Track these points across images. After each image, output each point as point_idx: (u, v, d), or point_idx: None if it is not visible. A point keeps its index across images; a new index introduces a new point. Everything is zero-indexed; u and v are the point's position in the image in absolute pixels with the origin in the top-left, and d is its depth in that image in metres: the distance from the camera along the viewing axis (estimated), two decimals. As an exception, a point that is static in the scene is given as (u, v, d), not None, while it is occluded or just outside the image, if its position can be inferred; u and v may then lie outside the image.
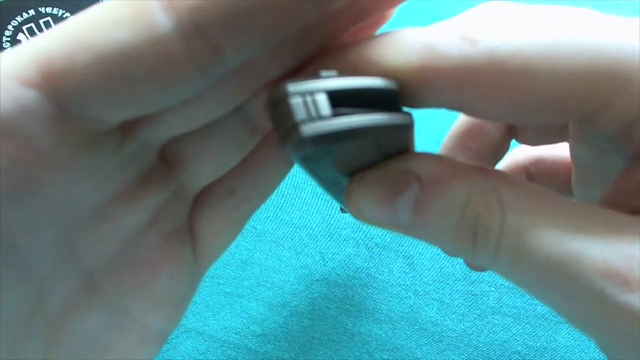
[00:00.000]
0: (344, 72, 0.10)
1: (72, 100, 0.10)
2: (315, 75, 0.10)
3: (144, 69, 0.10)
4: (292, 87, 0.09)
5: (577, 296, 0.10)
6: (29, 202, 0.11)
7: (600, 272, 0.10)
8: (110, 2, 0.10)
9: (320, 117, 0.09)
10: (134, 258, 0.14)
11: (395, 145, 0.12)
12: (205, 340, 0.26)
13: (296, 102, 0.09)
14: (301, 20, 0.10)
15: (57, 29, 0.10)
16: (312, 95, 0.09)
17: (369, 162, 0.12)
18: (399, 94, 0.11)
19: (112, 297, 0.13)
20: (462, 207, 0.11)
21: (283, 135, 0.10)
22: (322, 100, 0.09)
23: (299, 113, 0.09)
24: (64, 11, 0.32)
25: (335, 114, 0.10)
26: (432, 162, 0.12)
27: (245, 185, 0.15)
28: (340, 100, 0.10)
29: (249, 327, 0.27)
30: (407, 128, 0.11)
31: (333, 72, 0.10)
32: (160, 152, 0.14)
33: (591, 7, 0.41)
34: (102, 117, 0.11)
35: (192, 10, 0.09)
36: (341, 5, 0.10)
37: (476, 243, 0.11)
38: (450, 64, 0.10)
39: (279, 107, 0.10)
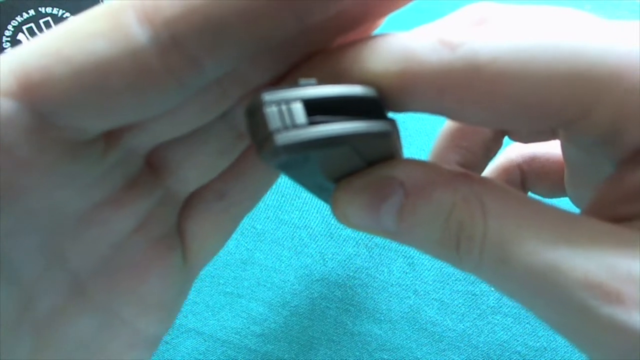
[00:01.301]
0: (323, 80, 0.10)
1: (50, 111, 0.10)
2: (293, 84, 0.10)
3: (121, 82, 0.10)
4: (268, 96, 0.09)
5: (559, 306, 0.10)
6: (9, 208, 0.11)
7: (581, 283, 0.10)
8: (88, 13, 0.10)
9: (295, 126, 0.09)
10: (123, 262, 0.14)
11: (378, 152, 0.12)
12: (205, 340, 0.26)
13: (271, 111, 0.09)
14: (281, 32, 0.10)
15: (36, 41, 0.10)
16: (288, 104, 0.09)
17: (353, 168, 0.12)
18: (381, 101, 0.11)
19: (102, 301, 0.13)
20: (445, 215, 0.11)
21: (258, 145, 0.10)
22: (298, 109, 0.09)
23: (274, 122, 0.09)
24: (64, 11, 0.32)
25: (312, 122, 0.10)
26: (415, 169, 0.12)
27: (235, 189, 0.16)
28: (318, 109, 0.10)
29: (249, 327, 0.27)
30: (387, 135, 0.11)
31: (312, 80, 0.10)
32: (147, 158, 0.14)
33: (590, 7, 0.40)
34: (81, 127, 0.11)
35: (169, 22, 0.09)
36: (323, 18, 0.10)
37: (460, 250, 0.11)
38: (429, 70, 0.10)
39: (255, 116, 0.10)
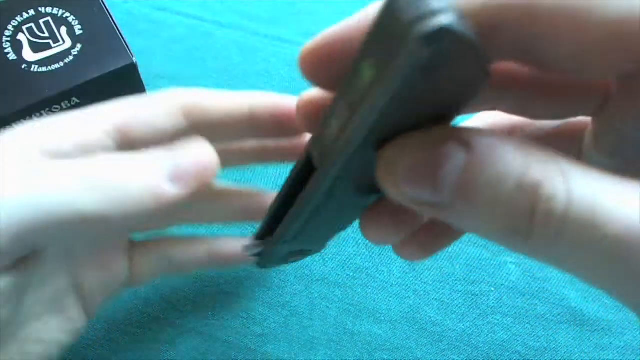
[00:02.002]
0: None
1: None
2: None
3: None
4: None
5: None
6: None
7: None
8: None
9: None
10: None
11: (453, 104, 0.11)
12: (206, 341, 0.26)
13: None
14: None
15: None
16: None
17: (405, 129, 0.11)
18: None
19: None
20: (519, 175, 0.10)
21: (411, 22, 0.09)
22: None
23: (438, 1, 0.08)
24: (64, 11, 0.32)
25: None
26: (480, 132, 0.10)
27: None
28: None
29: (249, 327, 0.27)
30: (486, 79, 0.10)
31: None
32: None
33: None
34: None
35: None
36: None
37: (534, 221, 0.10)
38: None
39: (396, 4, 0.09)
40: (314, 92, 0.15)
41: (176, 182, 0.16)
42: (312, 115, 0.15)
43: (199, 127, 0.18)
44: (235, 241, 0.22)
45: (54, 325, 0.19)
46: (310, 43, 0.13)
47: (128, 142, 0.18)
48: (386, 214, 0.15)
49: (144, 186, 0.15)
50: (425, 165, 0.10)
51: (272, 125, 0.19)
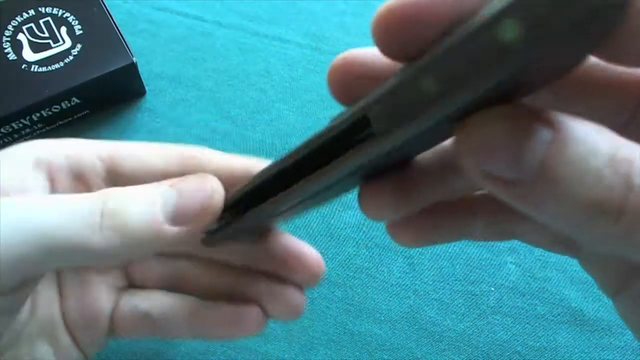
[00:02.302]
0: None
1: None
2: None
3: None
4: None
5: None
6: None
7: None
8: None
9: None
10: None
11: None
12: (206, 340, 0.26)
13: None
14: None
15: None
16: None
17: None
18: None
19: None
20: (610, 151, 0.09)
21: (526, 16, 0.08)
22: None
23: None
24: (64, 11, 0.32)
25: None
26: (562, 114, 0.10)
27: None
28: None
29: (249, 327, 0.27)
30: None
31: None
32: None
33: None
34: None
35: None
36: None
37: (629, 195, 0.09)
38: None
39: None
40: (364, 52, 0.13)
41: (179, 221, 0.16)
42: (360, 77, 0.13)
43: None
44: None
45: (46, 352, 0.19)
46: (392, 3, 0.11)
47: (117, 174, 0.18)
48: (388, 188, 0.15)
49: (145, 224, 0.15)
50: (509, 139, 0.10)
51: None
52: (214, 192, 0.16)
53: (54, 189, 0.17)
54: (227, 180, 0.17)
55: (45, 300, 0.19)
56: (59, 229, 0.14)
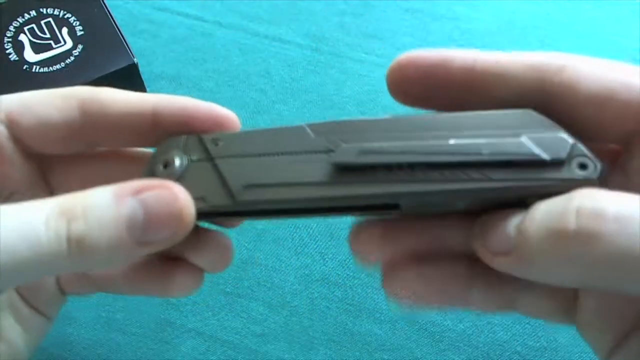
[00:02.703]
0: None
1: None
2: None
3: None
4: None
5: None
6: None
7: None
8: None
9: None
10: None
11: None
12: (206, 340, 0.26)
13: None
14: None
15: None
16: None
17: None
18: None
19: None
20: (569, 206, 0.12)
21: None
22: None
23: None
24: (65, 12, 0.32)
25: None
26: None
27: None
28: None
29: (249, 327, 0.27)
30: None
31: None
32: None
33: (591, 7, 0.40)
34: None
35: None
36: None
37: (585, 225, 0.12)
38: None
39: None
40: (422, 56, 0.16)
41: (148, 242, 0.15)
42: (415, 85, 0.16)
43: (96, 124, 0.17)
44: None
45: (12, 326, 0.19)
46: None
47: (17, 132, 0.17)
48: (378, 226, 0.17)
49: (114, 250, 0.14)
50: (499, 220, 0.14)
51: (178, 129, 0.18)
52: (182, 210, 0.15)
53: None
54: (132, 117, 0.17)
55: None
56: (22, 255, 0.13)
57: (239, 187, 0.16)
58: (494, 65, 0.15)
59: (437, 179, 0.14)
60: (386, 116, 0.16)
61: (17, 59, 0.30)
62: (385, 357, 0.26)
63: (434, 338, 0.27)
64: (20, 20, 0.31)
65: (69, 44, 0.31)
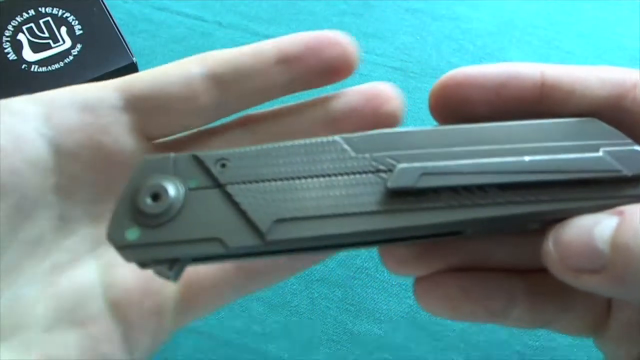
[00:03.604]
0: None
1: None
2: None
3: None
4: None
5: None
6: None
7: None
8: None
9: None
10: None
11: None
12: (206, 340, 0.26)
13: None
14: (274, 82, 0.16)
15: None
16: None
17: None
18: None
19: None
20: None
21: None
22: None
23: None
24: (64, 11, 0.32)
25: None
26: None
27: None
28: None
29: (249, 327, 0.27)
30: None
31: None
32: None
33: (592, 7, 0.40)
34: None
35: (212, 63, 0.17)
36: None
37: None
38: None
39: None
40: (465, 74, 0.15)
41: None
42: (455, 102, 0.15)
43: (224, 78, 0.16)
44: None
45: (68, 343, 0.15)
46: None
47: (137, 99, 0.16)
48: (413, 248, 0.16)
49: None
50: (582, 235, 0.12)
51: (310, 62, 0.16)
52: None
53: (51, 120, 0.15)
54: (258, 62, 0.16)
55: (68, 261, 0.15)
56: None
57: (266, 222, 0.13)
58: (566, 79, 0.14)
59: (513, 200, 0.13)
60: (434, 127, 0.14)
61: (15, 58, 0.30)
62: (385, 357, 0.26)
63: (434, 338, 0.27)
64: (19, 19, 0.31)
65: (68, 43, 0.31)
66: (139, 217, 0.13)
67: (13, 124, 0.14)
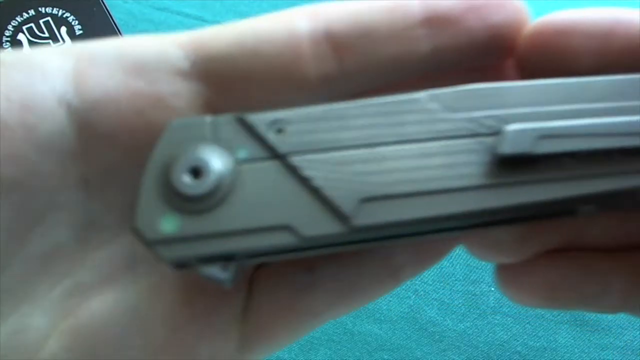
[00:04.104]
0: None
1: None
2: None
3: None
4: None
5: None
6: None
7: None
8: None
9: None
10: None
11: None
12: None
13: None
14: (413, 51, 0.11)
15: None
16: None
17: None
18: None
19: None
20: None
21: None
22: None
23: None
24: (64, 11, 0.32)
25: None
26: None
27: (331, 263, 0.12)
28: None
29: (249, 327, 0.27)
30: None
31: None
32: None
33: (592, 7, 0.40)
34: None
35: (327, 19, 0.11)
36: (454, 42, 0.11)
37: None
38: None
39: None
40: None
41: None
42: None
43: (344, 39, 0.11)
44: None
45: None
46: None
47: (211, 60, 0.11)
48: (512, 231, 0.13)
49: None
50: None
51: (471, 26, 0.11)
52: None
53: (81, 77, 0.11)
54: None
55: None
56: None
57: (350, 202, 0.10)
58: None
59: None
60: (531, 81, 0.11)
61: (16, 58, 0.30)
62: (385, 357, 0.26)
63: (434, 338, 0.27)
64: (19, 19, 0.31)
65: (68, 43, 0.31)
66: (176, 200, 0.10)
67: (23, 84, 0.10)
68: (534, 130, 0.10)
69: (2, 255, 0.10)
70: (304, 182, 0.10)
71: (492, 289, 0.28)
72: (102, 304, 0.11)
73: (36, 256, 0.11)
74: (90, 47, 0.11)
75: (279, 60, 0.11)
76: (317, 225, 0.10)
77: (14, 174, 0.10)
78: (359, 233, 0.10)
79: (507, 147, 0.10)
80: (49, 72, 0.10)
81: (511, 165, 0.10)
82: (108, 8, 0.32)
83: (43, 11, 0.32)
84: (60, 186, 0.11)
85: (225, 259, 0.10)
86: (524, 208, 0.10)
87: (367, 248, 0.12)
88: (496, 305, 0.28)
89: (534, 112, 0.10)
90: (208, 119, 0.10)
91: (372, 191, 0.10)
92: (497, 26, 0.11)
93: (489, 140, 0.10)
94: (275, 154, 0.10)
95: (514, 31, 0.12)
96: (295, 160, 0.10)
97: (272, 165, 0.10)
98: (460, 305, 0.28)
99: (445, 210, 0.10)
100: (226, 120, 0.10)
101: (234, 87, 0.11)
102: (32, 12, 0.31)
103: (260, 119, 0.10)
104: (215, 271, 0.10)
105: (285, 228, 0.10)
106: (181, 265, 0.10)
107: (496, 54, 0.12)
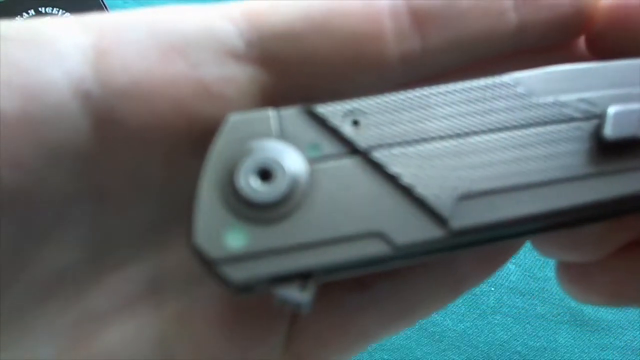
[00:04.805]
0: None
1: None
2: None
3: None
4: None
5: None
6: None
7: None
8: None
9: None
10: None
11: None
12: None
13: None
14: (500, 29, 0.10)
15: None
16: None
17: None
18: None
19: None
20: None
21: None
22: None
23: None
24: (64, 11, 0.32)
25: None
26: None
27: (387, 281, 0.11)
28: None
29: (248, 327, 0.27)
30: None
31: None
32: None
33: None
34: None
35: None
36: (541, 18, 0.10)
37: None
38: None
39: None
40: None
41: None
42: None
43: (429, 13, 0.10)
44: None
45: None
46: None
47: (265, 37, 0.10)
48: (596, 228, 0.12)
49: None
50: None
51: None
52: None
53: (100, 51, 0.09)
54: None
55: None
56: None
57: (447, 202, 0.09)
58: None
59: None
60: (613, 61, 0.10)
61: (16, 58, 0.30)
62: (385, 357, 0.26)
63: (434, 338, 0.27)
64: (19, 19, 0.31)
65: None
66: (243, 208, 0.08)
67: (28, 66, 0.08)
68: (631, 110, 0.09)
69: (2, 278, 0.09)
70: (392, 180, 0.09)
71: (492, 289, 0.28)
72: (119, 334, 0.10)
73: (41, 279, 0.09)
74: (116, 19, 0.09)
75: (354, 38, 0.09)
76: (412, 230, 0.08)
77: (15, 182, 0.08)
78: (459, 237, 0.09)
79: (612, 131, 0.09)
80: (62, 50, 0.08)
81: (615, 151, 0.09)
82: (108, 9, 0.32)
83: (43, 11, 0.32)
84: (71, 198, 0.09)
85: (303, 277, 0.08)
86: (633, 199, 0.09)
87: (454, 255, 0.11)
88: (496, 305, 0.28)
89: (625, 93, 0.09)
90: (271, 112, 0.09)
91: (469, 187, 0.09)
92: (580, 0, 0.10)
93: (586, 125, 0.09)
94: (354, 150, 0.09)
95: (592, 7, 0.11)
96: (379, 155, 0.09)
97: (351, 163, 0.09)
98: (460, 305, 0.28)
99: (554, 205, 0.09)
100: (293, 113, 0.09)
101: (297, 71, 0.09)
102: (32, 12, 0.31)
103: (333, 110, 0.09)
104: (292, 293, 0.08)
105: (376, 235, 0.08)
106: (249, 288, 0.08)
107: (572, 31, 0.11)
